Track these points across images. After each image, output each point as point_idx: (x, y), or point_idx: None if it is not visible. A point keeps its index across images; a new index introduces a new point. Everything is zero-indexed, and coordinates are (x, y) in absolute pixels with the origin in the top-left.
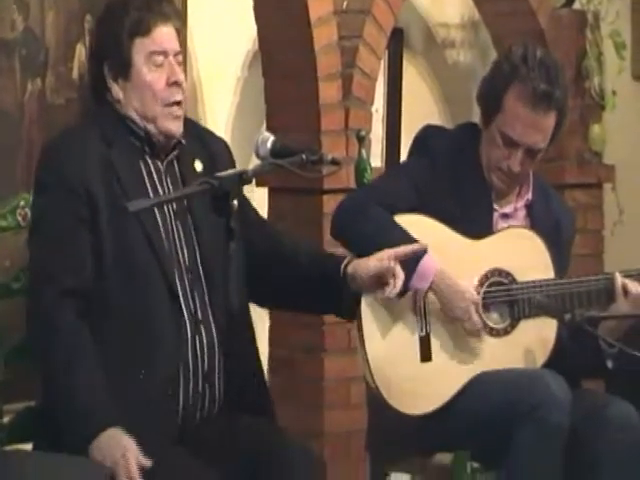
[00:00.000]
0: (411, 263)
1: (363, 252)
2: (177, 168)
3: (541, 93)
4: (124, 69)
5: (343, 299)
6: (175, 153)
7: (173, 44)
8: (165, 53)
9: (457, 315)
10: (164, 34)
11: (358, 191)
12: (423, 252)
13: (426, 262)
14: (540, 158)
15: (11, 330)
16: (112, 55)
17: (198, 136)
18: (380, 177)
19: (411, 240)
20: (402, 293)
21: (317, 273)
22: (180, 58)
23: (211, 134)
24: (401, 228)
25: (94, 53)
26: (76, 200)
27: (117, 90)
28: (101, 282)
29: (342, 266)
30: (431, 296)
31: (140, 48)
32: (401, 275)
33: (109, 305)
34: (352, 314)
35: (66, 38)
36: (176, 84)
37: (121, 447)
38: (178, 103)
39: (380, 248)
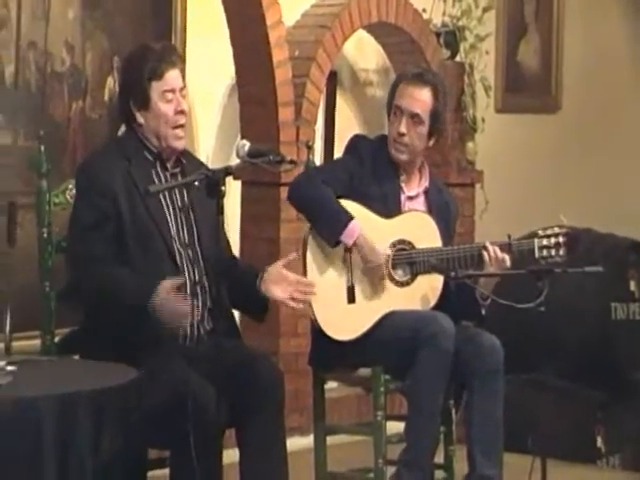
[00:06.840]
0: (341, 224)
1: (307, 212)
2: (179, 179)
3: (415, 73)
4: (145, 103)
5: (256, 303)
6: (177, 170)
7: (179, 82)
8: (173, 90)
9: (372, 265)
10: (172, 77)
11: (308, 171)
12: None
13: (353, 225)
14: (422, 131)
15: (61, 276)
16: (136, 93)
17: (193, 164)
18: (325, 164)
19: (338, 206)
20: (335, 244)
21: (244, 284)
22: (184, 92)
23: (201, 163)
24: (334, 198)
25: (122, 91)
26: (103, 200)
27: (140, 117)
28: (125, 255)
29: (258, 280)
30: (355, 257)
31: (156, 89)
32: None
33: (132, 268)
34: (262, 316)
35: (99, 72)
36: (181, 112)
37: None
38: (182, 125)
39: (316, 210)
